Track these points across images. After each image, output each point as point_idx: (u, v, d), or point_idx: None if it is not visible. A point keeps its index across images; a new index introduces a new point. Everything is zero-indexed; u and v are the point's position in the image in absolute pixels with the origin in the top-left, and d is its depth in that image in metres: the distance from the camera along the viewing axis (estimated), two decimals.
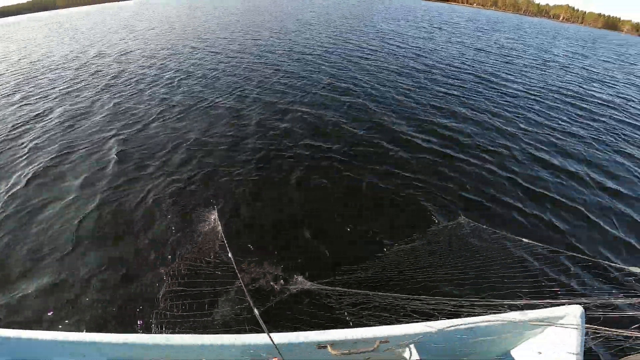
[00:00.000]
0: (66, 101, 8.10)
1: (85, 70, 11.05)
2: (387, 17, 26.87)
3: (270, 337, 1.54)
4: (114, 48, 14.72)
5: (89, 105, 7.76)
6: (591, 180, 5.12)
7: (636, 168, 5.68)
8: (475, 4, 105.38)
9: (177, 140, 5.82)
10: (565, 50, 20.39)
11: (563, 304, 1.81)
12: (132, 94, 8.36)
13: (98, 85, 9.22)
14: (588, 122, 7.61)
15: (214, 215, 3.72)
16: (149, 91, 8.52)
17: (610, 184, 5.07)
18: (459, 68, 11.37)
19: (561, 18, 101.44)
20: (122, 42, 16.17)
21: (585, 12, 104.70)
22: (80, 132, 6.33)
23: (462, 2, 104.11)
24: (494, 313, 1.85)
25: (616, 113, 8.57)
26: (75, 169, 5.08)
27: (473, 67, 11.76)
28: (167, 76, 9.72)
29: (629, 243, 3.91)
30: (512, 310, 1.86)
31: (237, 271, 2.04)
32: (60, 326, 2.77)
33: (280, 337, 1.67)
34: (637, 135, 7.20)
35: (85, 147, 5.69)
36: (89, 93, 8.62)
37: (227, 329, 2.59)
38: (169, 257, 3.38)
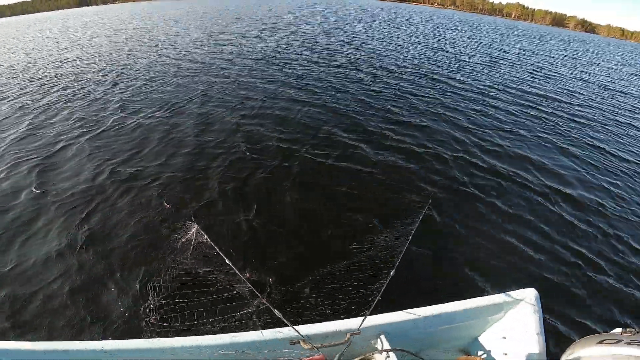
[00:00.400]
0: None
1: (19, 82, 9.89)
2: (350, 19, 26.92)
3: (296, 329, 1.61)
4: (58, 56, 13.38)
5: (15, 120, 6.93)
6: (535, 179, 5.07)
7: (581, 166, 5.75)
8: (435, 4, 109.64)
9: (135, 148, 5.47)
10: (515, 47, 21.36)
11: None
12: (79, 105, 7.51)
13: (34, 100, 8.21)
14: (535, 118, 7.75)
15: (192, 227, 3.57)
16: (89, 100, 7.68)
17: (553, 183, 5.05)
18: (415, 68, 11.36)
19: (513, 16, 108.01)
20: (72, 50, 14.77)
21: (534, 10, 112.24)
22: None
23: (423, 2, 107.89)
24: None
25: (562, 106, 8.85)
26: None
27: (428, 67, 11.81)
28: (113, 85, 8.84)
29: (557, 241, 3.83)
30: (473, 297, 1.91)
31: (240, 274, 2.05)
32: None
33: (251, 335, 1.67)
34: (580, 130, 7.41)
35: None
36: (8, 109, 7.65)
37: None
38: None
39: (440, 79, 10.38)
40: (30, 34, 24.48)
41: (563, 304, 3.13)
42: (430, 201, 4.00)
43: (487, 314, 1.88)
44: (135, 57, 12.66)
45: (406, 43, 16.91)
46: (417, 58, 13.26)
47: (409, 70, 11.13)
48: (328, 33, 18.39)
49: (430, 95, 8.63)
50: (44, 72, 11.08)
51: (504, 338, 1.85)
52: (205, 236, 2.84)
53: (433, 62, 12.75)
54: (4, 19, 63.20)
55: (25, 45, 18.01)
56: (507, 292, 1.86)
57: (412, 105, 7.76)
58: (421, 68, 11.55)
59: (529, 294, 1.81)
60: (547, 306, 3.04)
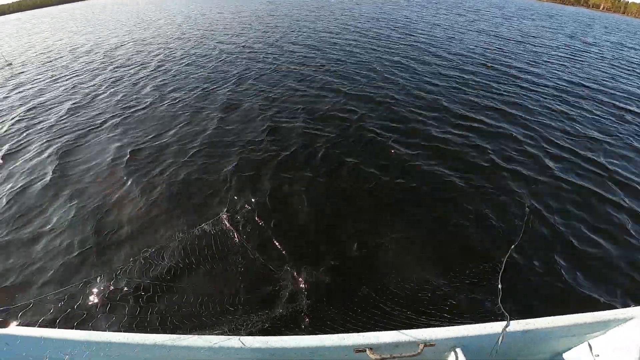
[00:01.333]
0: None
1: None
2: (405, 4, 25.01)
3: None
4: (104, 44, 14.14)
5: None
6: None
7: None
8: None
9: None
10: (603, 39, 18.05)
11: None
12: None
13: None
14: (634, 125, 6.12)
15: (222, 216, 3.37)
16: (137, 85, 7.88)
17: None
18: (477, 58, 9.87)
19: (601, 7, 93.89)
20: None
21: (627, 2, 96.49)
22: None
23: None
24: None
25: None
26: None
27: (493, 57, 10.22)
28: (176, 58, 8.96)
29: None
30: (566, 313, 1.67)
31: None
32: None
33: (315, 340, 1.53)
34: None
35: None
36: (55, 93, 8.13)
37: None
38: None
39: (508, 70, 8.84)
40: (100, 16, 26.55)
41: None
42: (527, 210, 3.44)
43: (580, 331, 1.68)
44: (185, 40, 12.84)
45: (468, 31, 15.03)
46: (480, 47, 11.59)
47: (469, 59, 9.68)
48: (379, 18, 17.09)
49: (494, 90, 7.30)
50: (104, 54, 11.65)
51: (597, 356, 1.65)
52: (235, 231, 2.67)
53: (499, 52, 11.03)
54: (77, 4, 69.19)
55: (91, 28, 19.41)
56: (613, 310, 1.67)
57: (472, 102, 6.57)
58: (484, 58, 10.01)
59: None
60: None
